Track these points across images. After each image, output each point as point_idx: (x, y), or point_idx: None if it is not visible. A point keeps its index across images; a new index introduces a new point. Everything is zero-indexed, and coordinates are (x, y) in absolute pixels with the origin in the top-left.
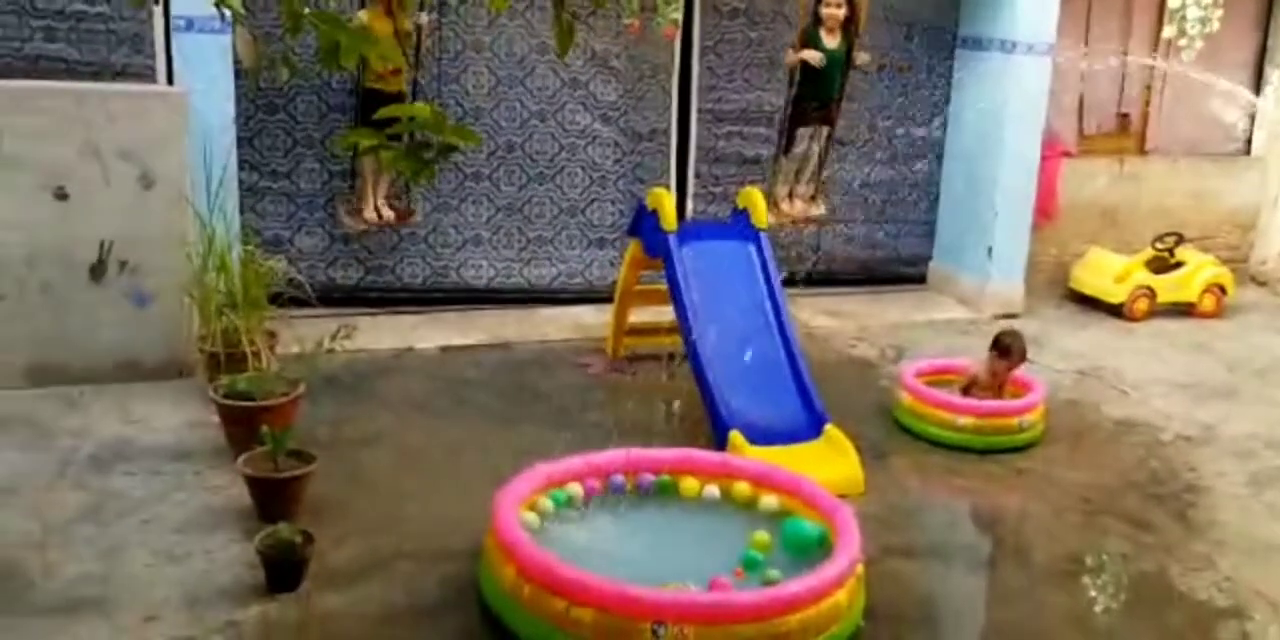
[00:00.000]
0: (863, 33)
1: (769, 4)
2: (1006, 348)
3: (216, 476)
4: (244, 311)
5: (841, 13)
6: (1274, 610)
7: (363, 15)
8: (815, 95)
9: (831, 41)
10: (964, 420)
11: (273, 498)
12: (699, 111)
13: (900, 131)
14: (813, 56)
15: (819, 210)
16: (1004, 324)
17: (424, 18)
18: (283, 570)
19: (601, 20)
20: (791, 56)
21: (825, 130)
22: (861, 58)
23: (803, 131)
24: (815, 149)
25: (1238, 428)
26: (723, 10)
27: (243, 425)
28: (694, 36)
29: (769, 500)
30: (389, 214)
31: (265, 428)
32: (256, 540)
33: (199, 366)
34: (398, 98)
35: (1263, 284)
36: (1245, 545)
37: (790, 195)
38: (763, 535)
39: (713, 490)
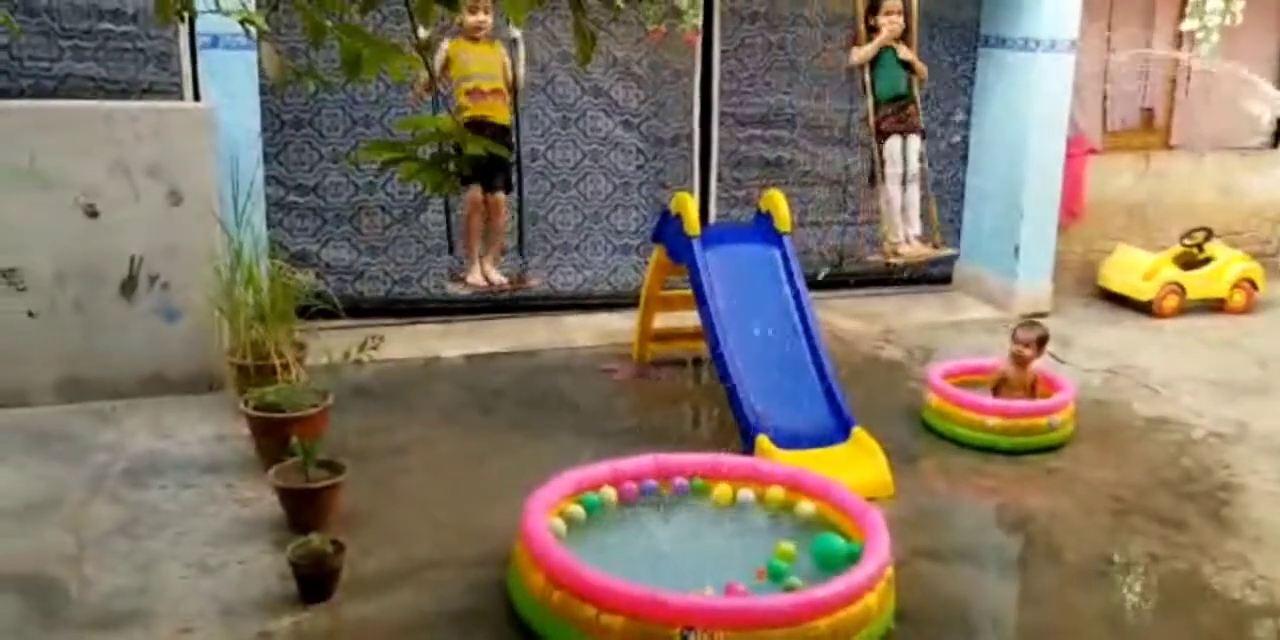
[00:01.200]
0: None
1: (789, 7)
2: (1012, 332)
3: (248, 488)
4: (272, 324)
5: (901, 20)
6: None
7: (447, 45)
8: (885, 92)
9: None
10: (992, 421)
11: (304, 508)
12: (720, 115)
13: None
14: (892, 33)
15: (948, 250)
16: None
17: (517, 33)
18: (315, 580)
19: (622, 27)
20: (856, 54)
21: (915, 141)
22: (903, 52)
23: (892, 144)
24: (912, 168)
25: (1271, 424)
26: (743, 14)
27: (273, 437)
28: (714, 41)
29: (798, 505)
30: (499, 279)
31: (295, 439)
32: (288, 551)
33: (228, 379)
34: (504, 130)
35: None
36: None
37: (906, 238)
38: (787, 546)
39: (747, 494)
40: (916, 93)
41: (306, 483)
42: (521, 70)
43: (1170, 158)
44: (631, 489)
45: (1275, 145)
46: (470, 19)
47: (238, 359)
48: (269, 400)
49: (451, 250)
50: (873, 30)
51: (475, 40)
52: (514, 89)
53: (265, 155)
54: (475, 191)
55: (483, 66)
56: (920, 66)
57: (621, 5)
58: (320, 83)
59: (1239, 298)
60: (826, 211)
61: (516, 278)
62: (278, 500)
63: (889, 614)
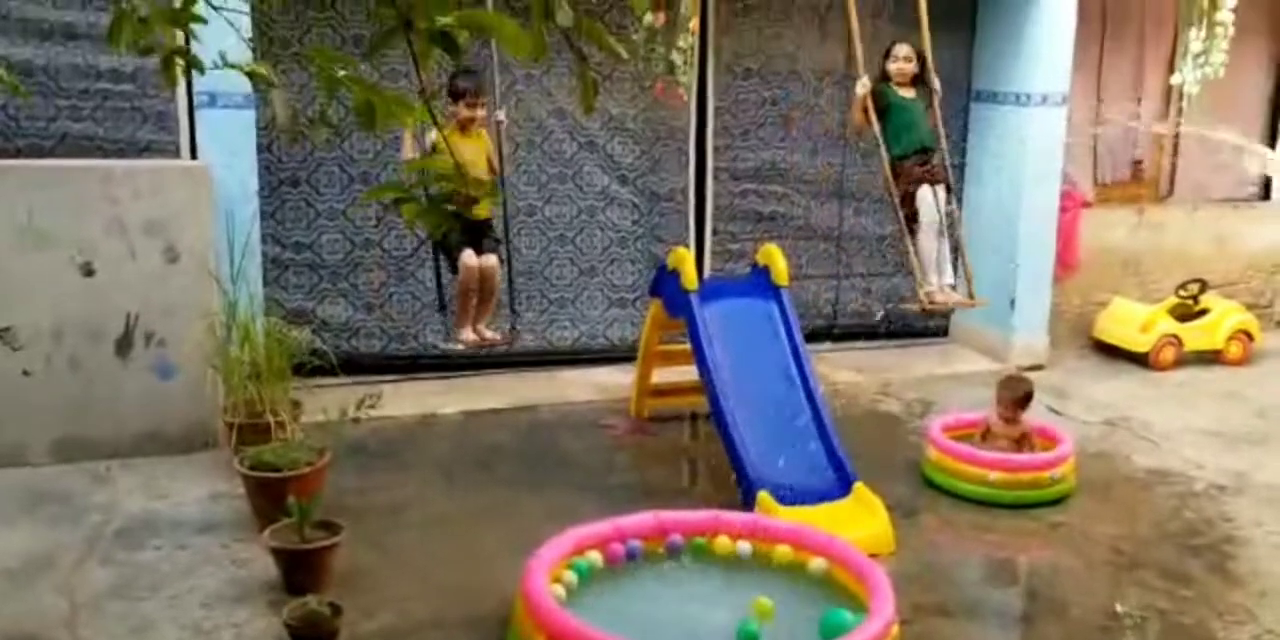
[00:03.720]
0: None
1: (783, 64)
2: (997, 390)
3: (243, 549)
4: (268, 382)
5: (911, 67)
6: None
7: (435, 136)
8: (910, 145)
9: (907, 93)
10: (994, 475)
11: (300, 569)
12: (715, 170)
13: None
14: (862, 87)
15: (983, 300)
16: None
17: (502, 115)
18: None
19: (618, 83)
20: (856, 115)
21: (942, 192)
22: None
23: (924, 194)
24: (940, 216)
25: (1273, 476)
26: (736, 71)
27: (268, 496)
28: (709, 96)
29: (804, 562)
30: (492, 335)
31: (291, 499)
32: (285, 613)
33: (224, 437)
34: (486, 225)
35: None
36: None
37: (940, 288)
38: (765, 602)
39: (745, 547)
40: (942, 142)
41: (302, 543)
42: (504, 152)
43: (1163, 210)
44: (623, 551)
45: (1265, 197)
46: (465, 113)
47: (233, 417)
48: (265, 459)
49: (442, 309)
50: (886, 78)
51: (465, 132)
52: (498, 173)
53: (261, 213)
54: (469, 256)
55: (468, 157)
56: (935, 88)
57: (625, 55)
58: (332, 130)
59: (1235, 349)
60: (821, 265)
61: (509, 333)
62: (273, 561)
63: None
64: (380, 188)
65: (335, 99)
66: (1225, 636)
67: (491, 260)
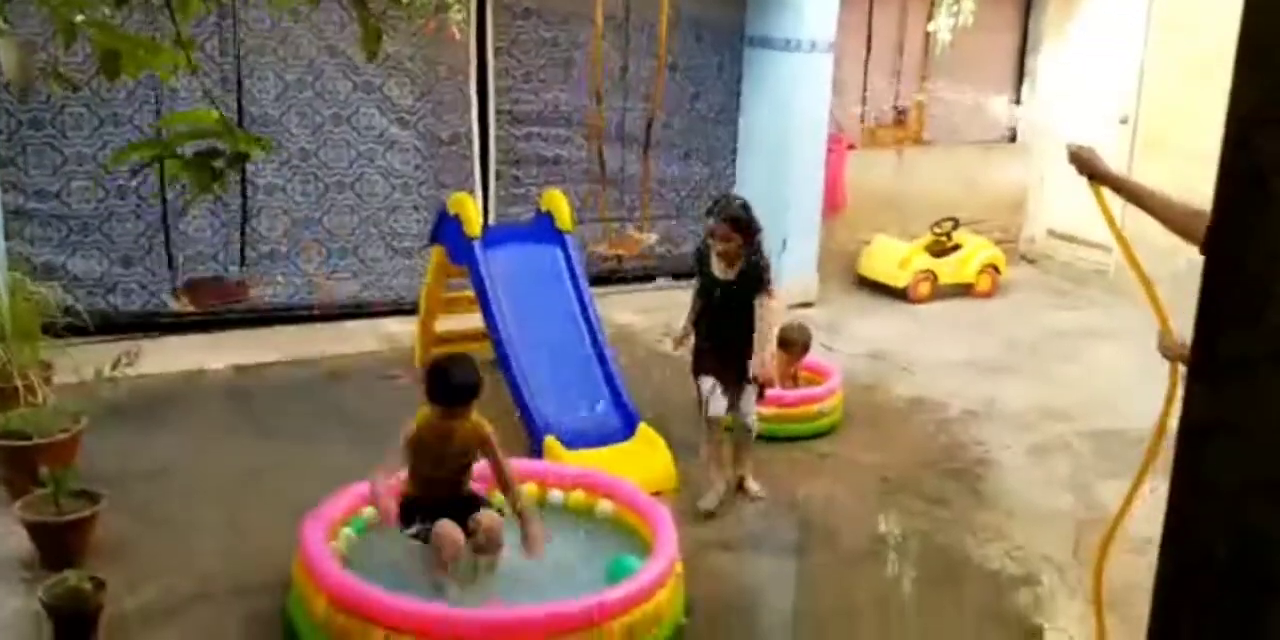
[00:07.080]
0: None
1: (562, 4)
2: (788, 342)
3: None
4: (14, 343)
5: (733, 245)
6: (1060, 574)
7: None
8: (712, 333)
9: (728, 273)
10: (767, 411)
11: (56, 543)
12: (497, 113)
13: (695, 130)
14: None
15: None
16: (798, 314)
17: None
18: (72, 622)
19: (393, 20)
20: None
21: (751, 394)
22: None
23: (704, 380)
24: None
25: (1017, 402)
26: (515, 10)
27: (19, 466)
28: (488, 37)
29: (592, 505)
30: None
31: (44, 468)
32: (41, 590)
33: None
34: (469, 502)
35: (1032, 262)
36: (1031, 513)
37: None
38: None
39: (556, 495)
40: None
41: (57, 515)
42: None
43: (922, 152)
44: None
45: (1013, 140)
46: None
47: None
48: (13, 426)
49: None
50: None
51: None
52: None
53: (0, 159)
54: (447, 525)
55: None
56: (769, 309)
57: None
58: (67, 85)
59: (985, 282)
60: (606, 208)
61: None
62: (27, 535)
63: (679, 609)
64: (135, 146)
65: (74, 45)
66: (979, 554)
67: (491, 517)
